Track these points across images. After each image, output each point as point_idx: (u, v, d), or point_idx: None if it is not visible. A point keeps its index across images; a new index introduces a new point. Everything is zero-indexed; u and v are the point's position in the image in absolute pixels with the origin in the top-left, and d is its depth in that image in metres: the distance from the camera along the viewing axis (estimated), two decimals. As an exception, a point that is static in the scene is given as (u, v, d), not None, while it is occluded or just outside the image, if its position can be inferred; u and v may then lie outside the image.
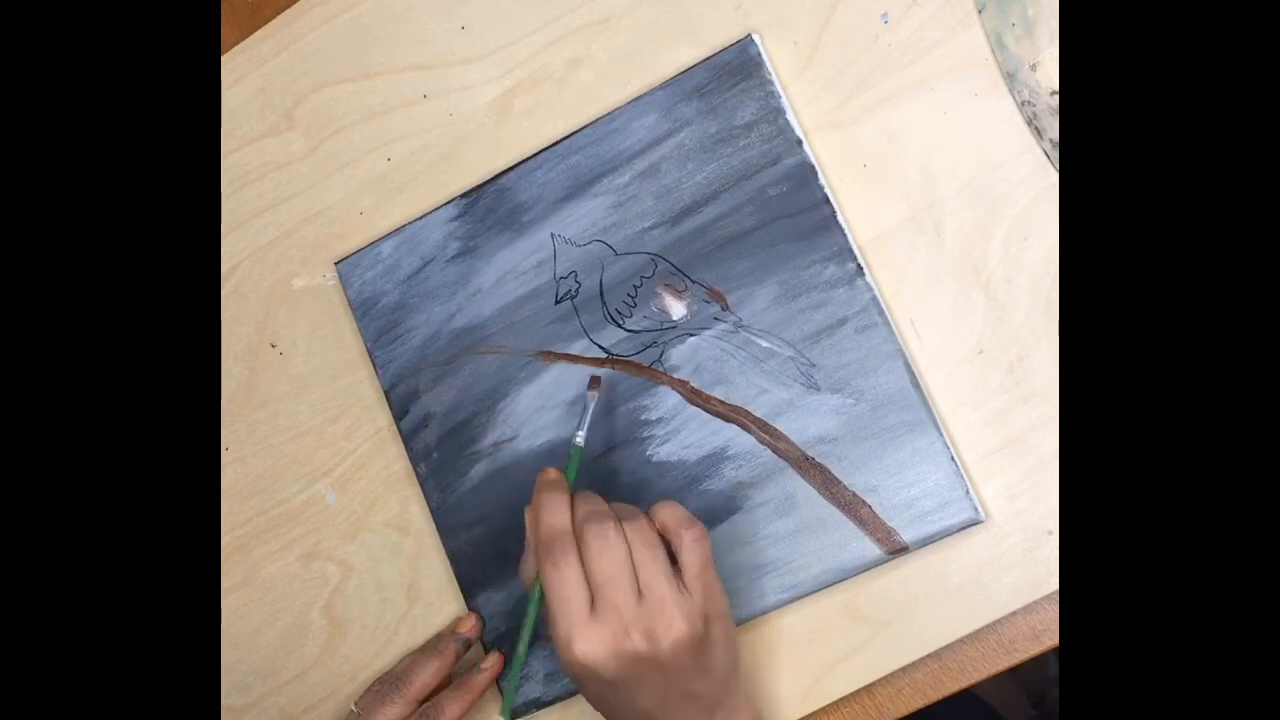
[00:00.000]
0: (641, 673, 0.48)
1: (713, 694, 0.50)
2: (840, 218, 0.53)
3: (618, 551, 0.48)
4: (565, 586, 0.48)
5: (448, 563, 0.59)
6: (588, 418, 0.54)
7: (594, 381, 0.55)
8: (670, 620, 0.47)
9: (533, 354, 0.58)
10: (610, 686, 0.49)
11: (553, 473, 0.52)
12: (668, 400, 0.56)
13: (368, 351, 0.60)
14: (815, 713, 0.54)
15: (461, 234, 0.59)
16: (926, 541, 0.52)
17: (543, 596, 0.51)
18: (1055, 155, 0.51)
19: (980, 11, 0.53)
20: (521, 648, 0.53)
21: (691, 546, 0.49)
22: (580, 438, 0.54)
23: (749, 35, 0.55)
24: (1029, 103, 0.51)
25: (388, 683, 0.57)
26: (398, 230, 0.60)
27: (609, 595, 0.48)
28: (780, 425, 0.54)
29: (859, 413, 0.53)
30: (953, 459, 0.52)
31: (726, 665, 0.50)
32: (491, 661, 0.57)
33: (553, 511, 0.50)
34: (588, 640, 0.47)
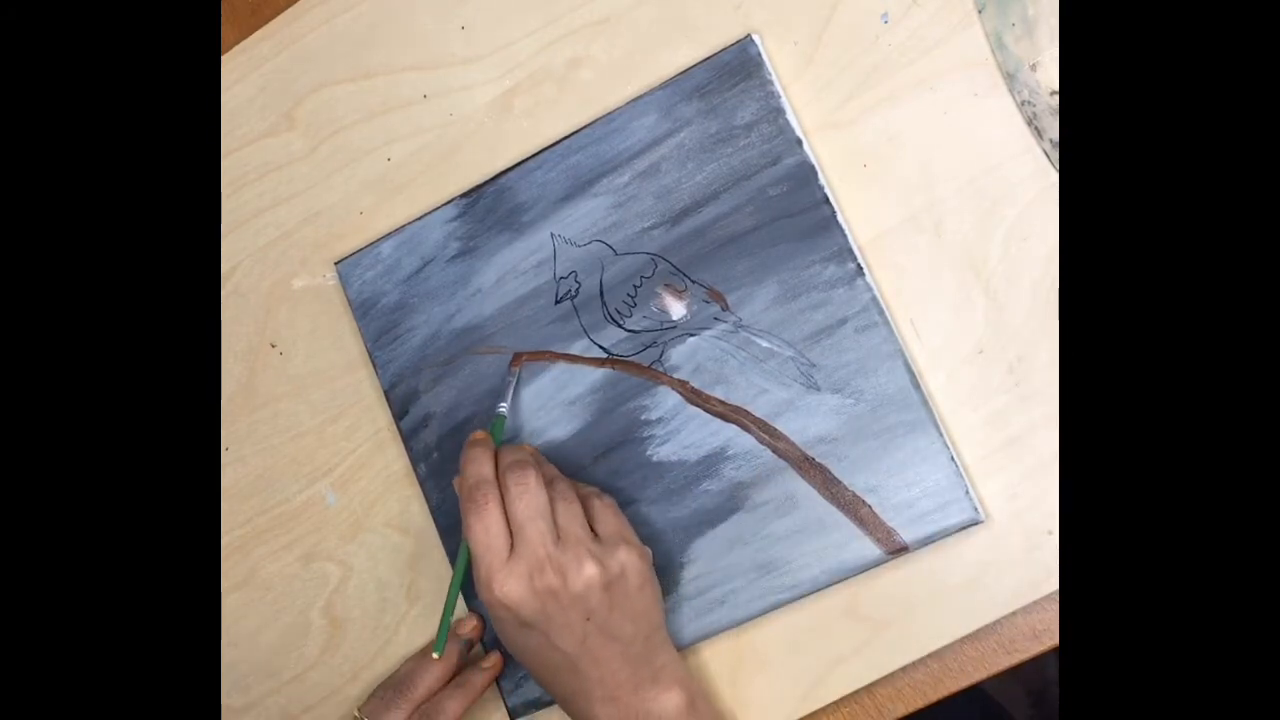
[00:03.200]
0: (556, 611, 0.49)
1: (634, 640, 0.51)
2: (840, 218, 0.53)
3: (538, 497, 0.50)
4: (486, 532, 0.50)
5: (448, 563, 0.59)
6: (509, 392, 0.57)
7: (516, 358, 0.57)
8: (582, 560, 0.49)
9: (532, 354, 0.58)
10: (530, 629, 0.50)
11: (479, 434, 0.54)
12: (667, 400, 0.56)
13: (368, 351, 0.60)
14: (815, 713, 0.54)
15: (461, 234, 0.59)
16: (926, 541, 0.52)
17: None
18: (1055, 155, 0.51)
19: (980, 11, 0.53)
20: (452, 590, 0.54)
21: (605, 509, 0.53)
22: (503, 408, 0.57)
23: (749, 35, 0.55)
24: (1029, 103, 0.51)
25: (391, 688, 0.56)
26: (398, 230, 0.60)
27: (527, 536, 0.50)
28: (780, 425, 0.54)
29: (859, 413, 0.53)
30: (952, 459, 0.52)
31: (647, 616, 0.52)
32: (492, 661, 0.57)
33: (477, 462, 0.52)
34: (505, 579, 0.49)
